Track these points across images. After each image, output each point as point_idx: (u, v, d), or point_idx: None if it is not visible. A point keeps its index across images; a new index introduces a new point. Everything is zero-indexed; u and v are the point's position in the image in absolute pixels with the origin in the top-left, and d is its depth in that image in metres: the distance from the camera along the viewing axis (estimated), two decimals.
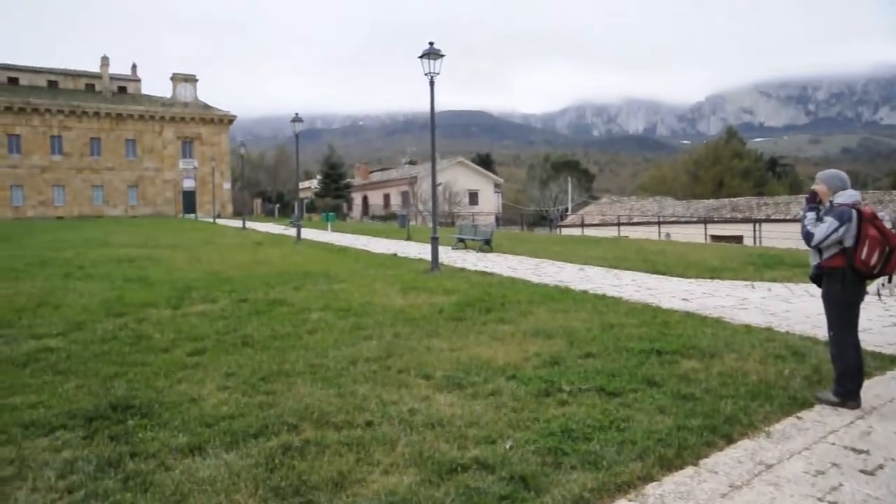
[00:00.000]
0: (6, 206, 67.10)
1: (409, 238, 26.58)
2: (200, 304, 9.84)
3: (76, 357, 6.66)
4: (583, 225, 45.81)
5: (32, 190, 68.33)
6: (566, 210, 62.43)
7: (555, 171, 77.14)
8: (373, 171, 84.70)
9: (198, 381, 5.79)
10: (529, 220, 61.82)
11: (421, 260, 16.73)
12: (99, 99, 72.54)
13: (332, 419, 4.81)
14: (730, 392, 5.35)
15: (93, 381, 5.77)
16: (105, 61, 74.69)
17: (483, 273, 13.94)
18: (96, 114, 70.32)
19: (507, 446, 4.28)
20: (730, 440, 4.46)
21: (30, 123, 67.87)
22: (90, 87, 74.43)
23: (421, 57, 14.71)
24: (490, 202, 66.82)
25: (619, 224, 42.27)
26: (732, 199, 45.84)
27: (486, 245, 20.48)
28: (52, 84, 73.24)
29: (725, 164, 73.25)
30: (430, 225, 17.69)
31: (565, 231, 45.74)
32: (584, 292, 10.88)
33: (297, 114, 27.40)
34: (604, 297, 10.39)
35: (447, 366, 6.23)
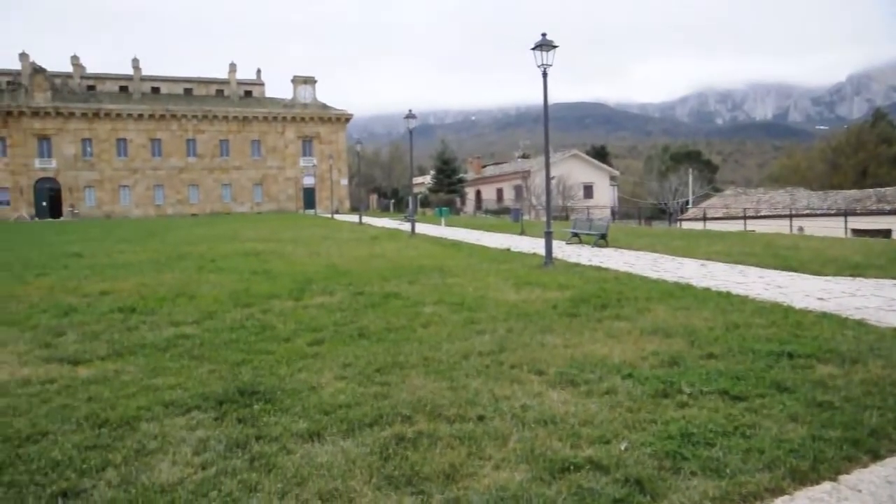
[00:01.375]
0: (150, 204, 73.30)
1: (522, 232, 26.43)
2: (319, 297, 10.26)
3: (208, 344, 7.14)
4: (705, 219, 43.66)
5: (171, 189, 74.19)
6: (686, 203, 59.75)
7: (674, 163, 74.04)
8: (485, 166, 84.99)
9: (317, 370, 6.03)
10: (647, 214, 59.70)
11: (534, 255, 16.58)
12: (227, 103, 77.54)
13: (444, 412, 4.86)
14: (875, 402, 4.87)
15: (223, 367, 6.16)
16: (233, 68, 79.73)
17: (598, 268, 13.61)
18: (225, 117, 75.25)
19: (623, 447, 4.15)
20: (875, 456, 4.05)
21: (169, 128, 73.70)
22: (220, 93, 79.74)
23: (533, 49, 14.53)
24: (605, 195, 65.13)
25: (745, 217, 39.85)
26: (879, 189, 41.90)
27: (602, 239, 19.98)
28: (188, 91, 79.08)
29: (871, 151, 67.14)
30: (544, 219, 17.47)
31: (686, 225, 43.79)
32: (707, 289, 10.34)
33: (410, 110, 27.93)
34: (728, 294, 9.82)
35: (561, 362, 6.13)
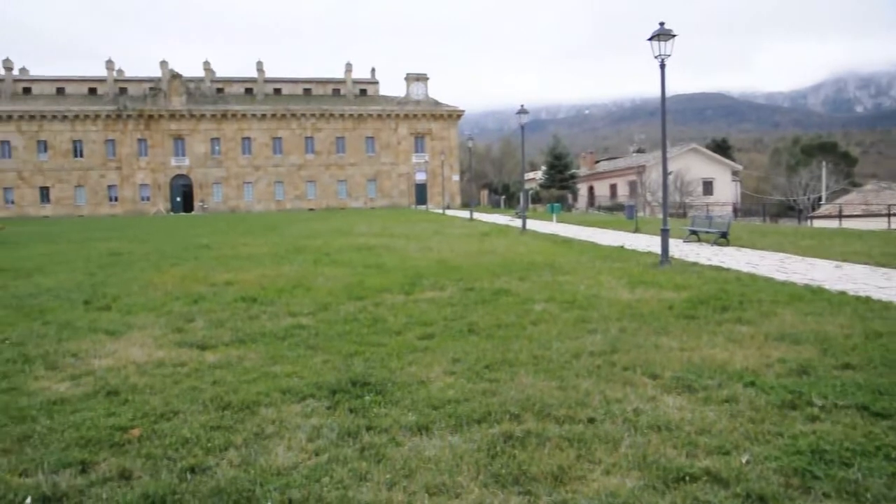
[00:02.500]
0: (271, 199, 77.38)
1: (636, 230, 25.60)
2: (430, 292, 10.40)
3: (323, 334, 7.41)
4: (840, 216, 40.37)
5: (290, 185, 77.98)
6: (819, 199, 55.53)
7: (805, 155, 69.04)
8: (599, 161, 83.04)
9: (426, 364, 6.10)
10: (773, 211, 56.00)
11: (649, 253, 16.00)
12: (343, 102, 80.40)
13: (553, 412, 4.77)
14: None
15: (336, 358, 6.37)
16: (349, 68, 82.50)
17: (718, 268, 12.92)
18: (341, 115, 78.12)
19: (744, 460, 3.89)
20: None
21: (289, 127, 77.47)
22: (336, 92, 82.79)
23: (650, 39, 13.98)
24: (727, 191, 61.80)
25: (889, 215, 36.46)
26: None
27: (722, 238, 18.97)
28: (307, 91, 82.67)
29: None
30: (660, 216, 16.80)
31: (818, 223, 40.70)
32: (843, 293, 9.54)
33: (522, 105, 27.73)
34: (868, 300, 9.01)
35: (676, 366, 5.86)
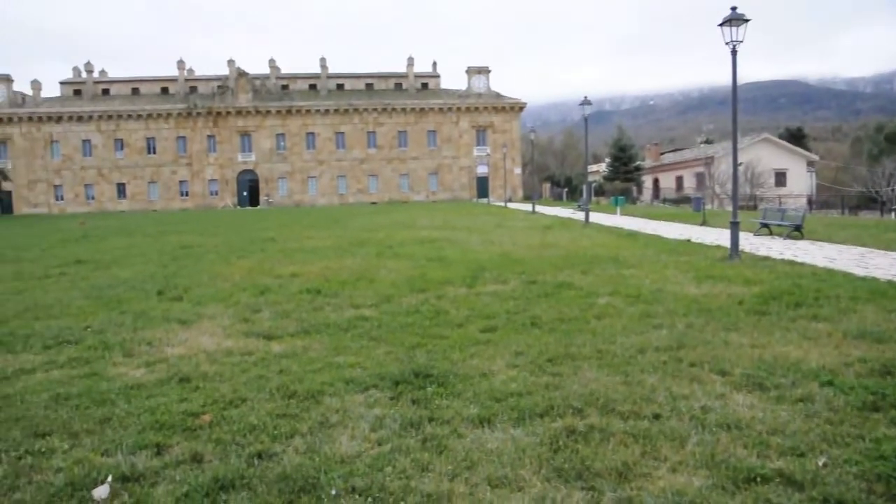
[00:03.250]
0: (334, 193, 78.77)
1: (704, 223, 24.84)
2: (492, 285, 10.37)
3: (386, 326, 7.49)
4: None
5: (353, 179, 79.20)
6: None
7: (889, 144, 65.34)
8: (664, 153, 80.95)
9: (489, 356, 6.09)
10: (852, 203, 53.24)
11: (718, 247, 15.49)
12: (405, 96, 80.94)
13: (617, 407, 4.68)
14: None
15: (399, 349, 6.43)
16: (410, 62, 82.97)
17: (791, 262, 12.39)
18: (403, 109, 78.72)
19: (820, 463, 3.72)
20: None
21: (352, 122, 78.62)
22: (398, 86, 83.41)
23: (721, 24, 13.48)
24: (801, 183, 59.22)
25: None
26: None
27: (796, 231, 18.18)
28: (369, 86, 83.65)
29: None
30: (728, 209, 16.22)
31: None
32: None
33: (585, 97, 27.28)
34: None
35: (747, 363, 5.65)
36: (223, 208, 72.38)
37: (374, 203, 73.08)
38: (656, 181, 72.01)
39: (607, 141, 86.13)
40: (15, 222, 46.07)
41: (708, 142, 76.65)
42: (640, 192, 69.61)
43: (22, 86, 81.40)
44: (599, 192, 65.42)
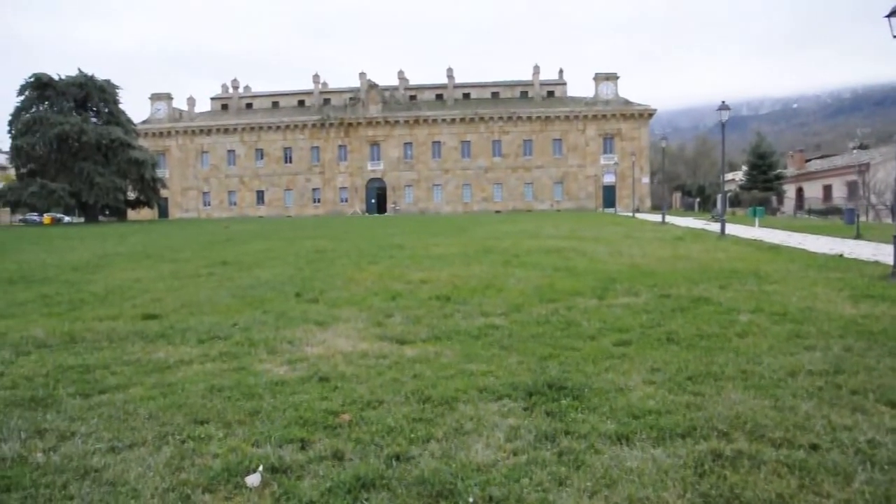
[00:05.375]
0: (458, 201, 79.89)
1: (858, 236, 22.81)
2: (623, 297, 10.05)
3: (516, 336, 7.44)
4: None
5: (477, 188, 79.93)
6: None
7: None
8: (809, 160, 75.29)
9: (624, 371, 5.89)
10: None
11: (877, 263, 14.14)
12: (531, 104, 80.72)
13: (768, 433, 4.35)
14: None
15: (530, 359, 6.36)
16: (536, 70, 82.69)
17: None
18: (528, 118, 78.53)
19: None
20: None
21: (477, 130, 79.46)
22: (524, 94, 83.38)
23: (889, 16, 12.31)
24: None
25: None
26: None
27: None
28: (495, 95, 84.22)
29: None
30: (888, 221, 14.79)
31: None
32: None
33: (723, 101, 25.92)
34: None
35: None
36: (352, 215, 75.54)
37: (497, 211, 73.37)
38: (800, 191, 67.08)
39: (744, 148, 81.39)
40: (170, 226, 50.49)
41: (862, 147, 70.35)
42: (780, 202, 65.13)
43: (180, 103, 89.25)
44: (735, 202, 61.85)
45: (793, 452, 4.06)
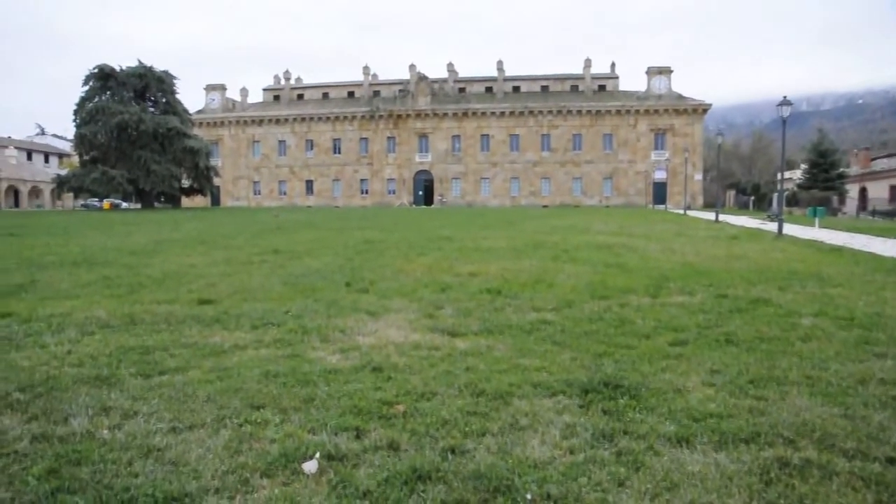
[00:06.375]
0: (506, 195, 79.54)
1: None
2: (678, 296, 9.81)
3: (568, 332, 7.33)
4: None
5: (525, 182, 79.37)
6: None
7: None
8: (875, 159, 72.30)
9: (681, 372, 5.73)
10: None
11: None
12: (581, 98, 79.65)
13: (838, 443, 4.17)
14: None
15: (584, 356, 6.25)
16: (587, 63, 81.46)
17: None
18: (578, 112, 77.53)
19: None
20: None
21: (526, 124, 78.85)
22: (574, 88, 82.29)
23: None
24: None
25: None
26: None
27: None
28: (544, 88, 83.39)
29: None
30: None
31: None
32: None
33: (784, 97, 25.05)
34: None
35: None
36: (399, 206, 75.96)
37: (545, 206, 72.77)
38: (863, 191, 64.58)
39: (804, 145, 78.71)
40: (222, 213, 51.67)
41: None
42: (842, 202, 62.82)
43: (233, 93, 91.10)
44: (793, 201, 59.91)
45: (867, 465, 3.88)
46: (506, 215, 44.74)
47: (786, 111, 24.83)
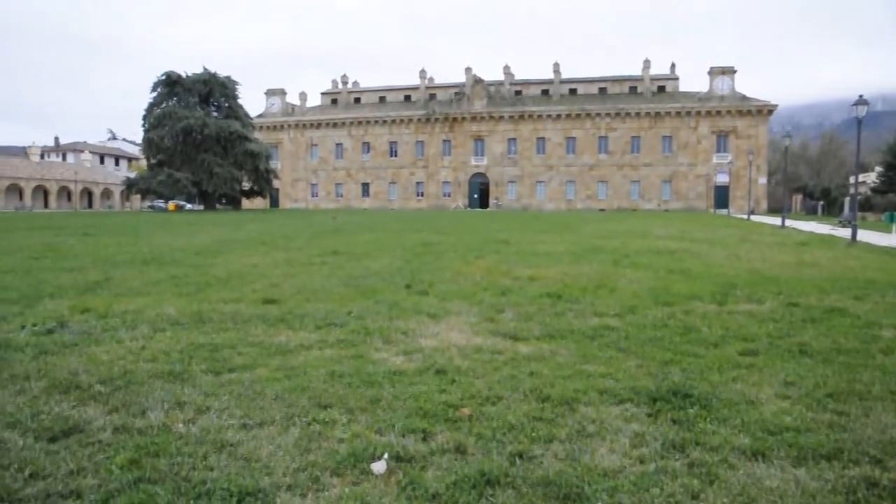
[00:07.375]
0: (562, 199, 78.74)
1: None
2: (745, 304, 9.51)
3: (633, 338, 7.18)
4: None
5: (582, 185, 78.40)
6: None
7: None
8: None
9: (753, 383, 5.54)
10: None
11: None
12: (640, 100, 78.15)
13: None
14: None
15: (650, 364, 6.12)
16: (646, 64, 79.89)
17: None
18: (637, 114, 76.09)
19: None
20: None
21: (583, 127, 77.87)
22: (633, 90, 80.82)
23: None
24: None
25: None
26: None
27: None
28: (602, 90, 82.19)
29: None
30: None
31: None
32: None
33: (860, 96, 23.99)
34: None
35: None
36: (454, 209, 76.13)
37: (602, 210, 71.74)
38: None
39: (879, 147, 75.24)
40: (281, 215, 52.83)
41: None
42: None
43: (292, 98, 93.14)
44: (866, 206, 57.38)
45: None
46: (562, 219, 44.30)
47: (862, 111, 23.73)
